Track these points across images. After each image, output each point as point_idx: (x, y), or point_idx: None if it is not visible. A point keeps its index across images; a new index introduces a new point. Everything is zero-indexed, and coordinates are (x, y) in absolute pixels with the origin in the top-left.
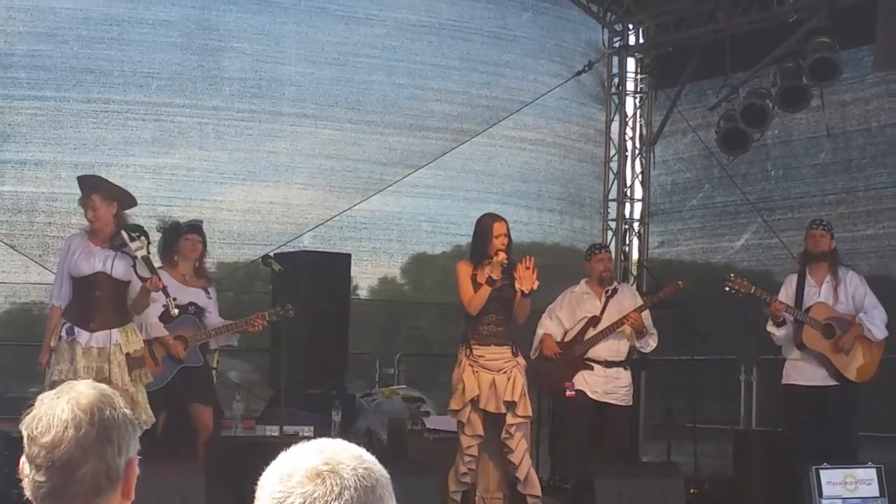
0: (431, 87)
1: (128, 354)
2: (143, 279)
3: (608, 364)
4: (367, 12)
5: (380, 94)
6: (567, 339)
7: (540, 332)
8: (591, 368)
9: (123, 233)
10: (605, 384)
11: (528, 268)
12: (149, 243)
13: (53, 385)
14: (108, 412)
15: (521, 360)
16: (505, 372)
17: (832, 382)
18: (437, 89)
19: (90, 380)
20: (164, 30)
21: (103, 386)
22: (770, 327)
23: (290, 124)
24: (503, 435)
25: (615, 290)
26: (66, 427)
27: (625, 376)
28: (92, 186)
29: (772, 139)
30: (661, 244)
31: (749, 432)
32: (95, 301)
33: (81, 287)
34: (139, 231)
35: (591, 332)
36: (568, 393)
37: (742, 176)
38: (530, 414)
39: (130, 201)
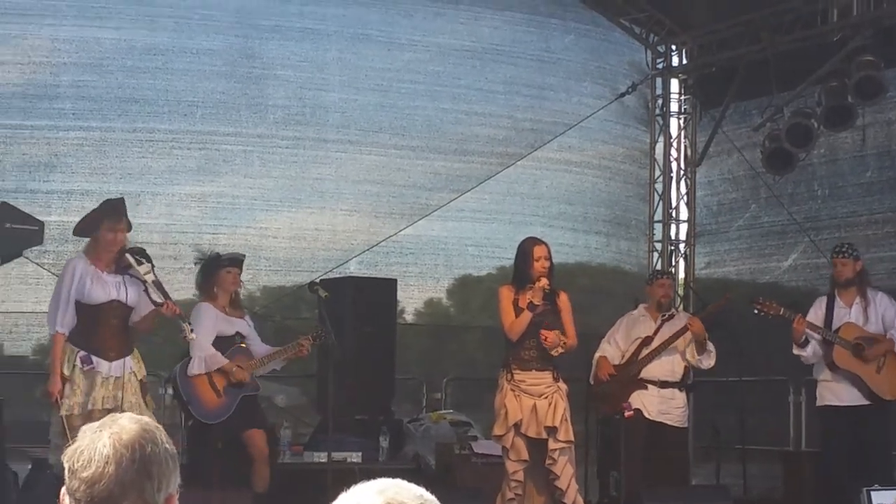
0: (475, 112)
1: (140, 381)
2: (157, 304)
3: (663, 384)
4: (410, 38)
5: (424, 119)
6: (623, 361)
7: (596, 355)
8: (646, 388)
9: (128, 256)
10: (660, 404)
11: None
12: (153, 267)
13: (68, 420)
14: (149, 448)
15: (562, 384)
16: (546, 397)
17: (866, 402)
18: (481, 113)
19: (131, 414)
20: (208, 58)
21: (146, 420)
22: (796, 350)
23: (335, 150)
24: (547, 461)
25: (672, 316)
26: (107, 462)
27: (679, 397)
28: (123, 210)
29: (817, 158)
30: (707, 265)
31: (798, 453)
32: (111, 329)
33: (93, 315)
34: (142, 254)
35: (644, 351)
36: (627, 413)
37: (788, 196)
38: (572, 438)
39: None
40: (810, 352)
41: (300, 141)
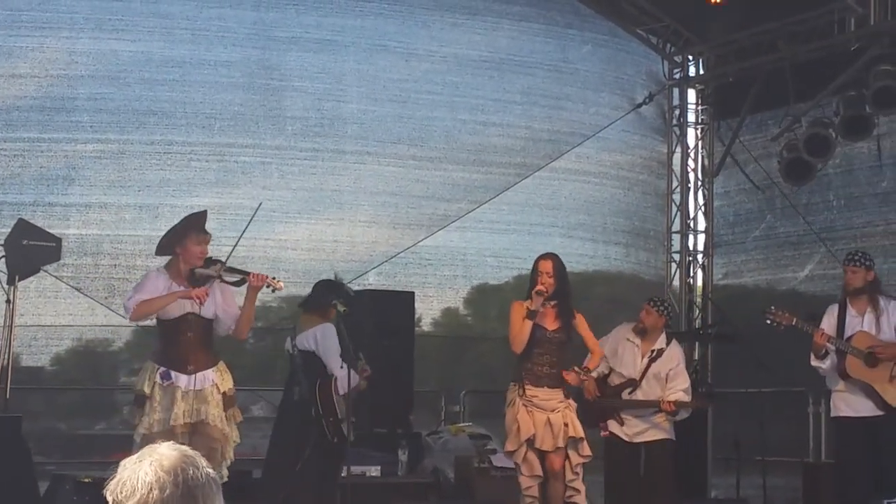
0: (493, 122)
1: (224, 394)
2: (238, 283)
3: (639, 416)
4: (428, 49)
5: (442, 129)
6: (610, 380)
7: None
8: (622, 423)
9: (196, 270)
10: (636, 427)
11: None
12: (222, 263)
13: (145, 439)
14: (191, 472)
15: (572, 402)
16: (558, 412)
17: (880, 413)
18: (499, 124)
19: (171, 442)
20: (226, 70)
21: (185, 447)
22: (814, 361)
23: (353, 162)
24: (569, 477)
25: (660, 353)
26: (151, 489)
27: (658, 416)
28: (205, 221)
29: (833, 168)
30: (725, 275)
31: (818, 465)
32: (188, 342)
33: (170, 329)
34: (207, 260)
35: (626, 395)
36: (602, 433)
37: (804, 206)
38: (590, 454)
39: None
40: (829, 364)
41: (318, 152)
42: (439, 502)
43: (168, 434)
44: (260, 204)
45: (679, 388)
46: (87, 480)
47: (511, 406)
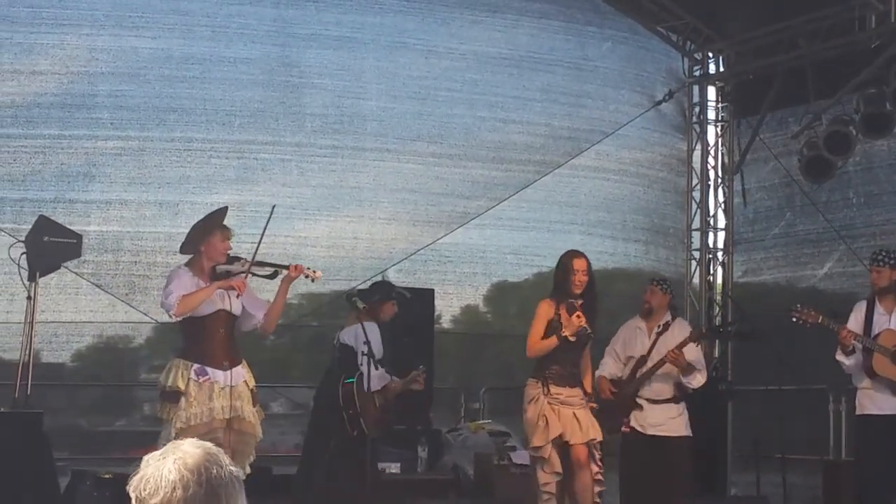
0: (513, 120)
1: (252, 390)
2: (271, 276)
3: (653, 402)
4: (447, 46)
5: (461, 127)
6: (623, 376)
7: (598, 372)
8: (641, 408)
9: (217, 267)
10: (653, 418)
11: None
12: (245, 261)
13: (183, 433)
14: (214, 471)
15: (593, 404)
16: (583, 408)
17: None
18: (519, 121)
19: (195, 439)
20: (245, 67)
21: (209, 444)
22: (839, 356)
23: (373, 159)
24: (597, 473)
25: (667, 326)
26: (175, 488)
27: (674, 409)
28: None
29: (853, 166)
30: (744, 273)
31: (838, 462)
32: (221, 339)
33: (202, 326)
34: (234, 259)
35: (640, 372)
36: (623, 428)
37: (823, 204)
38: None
39: None
40: (853, 361)
41: (338, 149)
42: (459, 499)
43: (207, 428)
44: (274, 207)
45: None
46: (107, 476)
47: (534, 402)
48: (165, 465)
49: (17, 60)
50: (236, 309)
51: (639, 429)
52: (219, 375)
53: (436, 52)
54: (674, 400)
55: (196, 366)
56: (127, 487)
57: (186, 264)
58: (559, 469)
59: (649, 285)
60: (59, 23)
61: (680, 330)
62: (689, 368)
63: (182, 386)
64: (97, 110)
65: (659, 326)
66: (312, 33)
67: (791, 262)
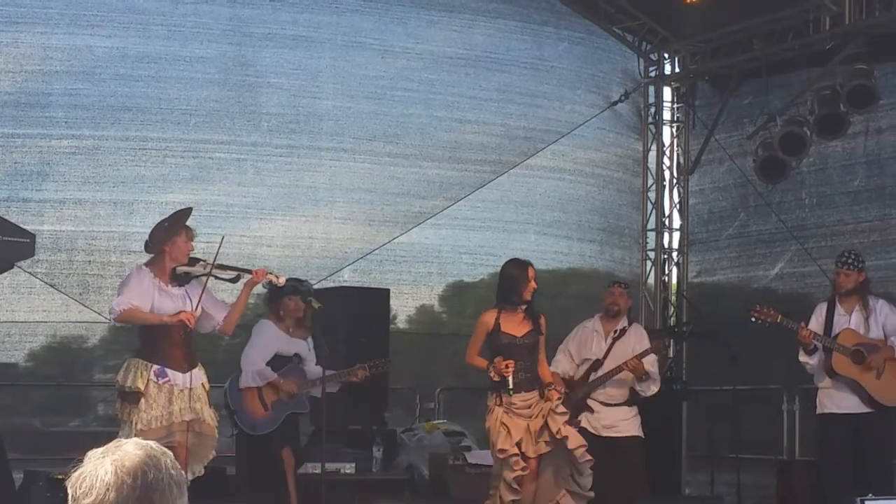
0: (469, 119)
1: (207, 392)
2: (234, 280)
3: (607, 405)
4: (404, 46)
5: (417, 126)
6: (576, 375)
7: (550, 369)
8: (592, 411)
9: (178, 268)
10: (605, 419)
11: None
12: (206, 262)
13: (141, 434)
14: (152, 475)
15: (550, 394)
16: (535, 417)
17: (866, 409)
18: (475, 121)
19: (139, 440)
20: (201, 66)
21: (152, 445)
22: (802, 356)
23: (329, 159)
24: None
25: (623, 331)
26: (108, 489)
27: (627, 411)
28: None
29: (807, 167)
30: (699, 273)
31: (792, 462)
32: (181, 341)
33: (163, 328)
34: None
35: (593, 375)
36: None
37: (777, 204)
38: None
39: None
40: (816, 360)
41: (294, 149)
42: (414, 499)
43: (166, 431)
44: (223, 238)
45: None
46: (60, 477)
47: (490, 413)
48: (103, 466)
49: None
50: (197, 311)
51: (590, 430)
52: (178, 378)
53: (392, 51)
54: (626, 403)
55: (156, 367)
56: (66, 482)
57: (147, 264)
58: (524, 462)
59: (614, 287)
60: (13, 21)
61: (637, 336)
62: (644, 377)
63: (141, 387)
64: (51, 109)
65: (616, 331)
66: (268, 32)
67: (744, 262)
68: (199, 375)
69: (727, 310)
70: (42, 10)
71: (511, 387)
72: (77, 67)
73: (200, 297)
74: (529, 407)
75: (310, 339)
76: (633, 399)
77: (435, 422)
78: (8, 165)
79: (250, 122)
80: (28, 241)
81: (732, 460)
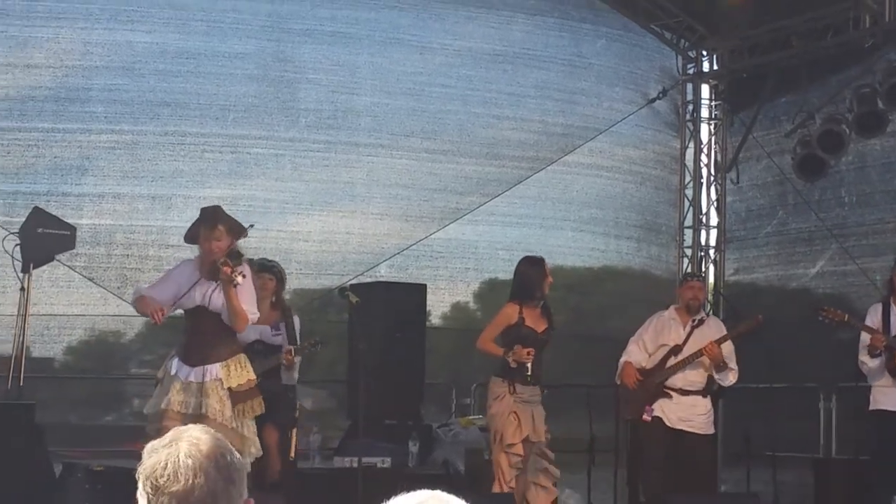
0: (507, 116)
1: (230, 389)
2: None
3: (683, 392)
4: (442, 42)
5: (455, 123)
6: (649, 365)
7: (623, 358)
8: (670, 397)
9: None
10: (681, 412)
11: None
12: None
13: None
14: (228, 457)
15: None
16: (539, 405)
17: None
18: (513, 118)
19: (200, 425)
20: (240, 62)
21: (212, 430)
22: (863, 357)
23: (366, 154)
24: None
25: (701, 321)
26: (196, 474)
27: (702, 404)
28: (217, 217)
29: (846, 165)
30: (736, 271)
31: (829, 461)
32: (197, 335)
33: (188, 319)
34: (233, 256)
35: (671, 361)
36: (644, 416)
37: (816, 202)
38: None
39: (243, 232)
40: (879, 362)
41: (331, 145)
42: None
43: (160, 417)
44: (251, 225)
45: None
46: (99, 469)
47: (499, 400)
48: (180, 452)
49: (12, 53)
50: (217, 306)
51: (664, 419)
52: (183, 371)
53: (430, 48)
54: (702, 393)
55: (176, 358)
56: (136, 475)
57: (197, 256)
58: (523, 465)
59: (694, 281)
60: (55, 16)
61: (716, 326)
62: (722, 365)
63: (160, 375)
64: (91, 104)
65: (694, 320)
66: (307, 28)
67: (783, 260)
68: (214, 371)
69: (765, 307)
70: (83, 5)
71: (529, 373)
72: (117, 63)
73: (211, 293)
74: (536, 397)
75: (283, 324)
76: (709, 389)
77: (471, 417)
78: (48, 160)
79: (288, 117)
80: (69, 233)
81: (768, 458)
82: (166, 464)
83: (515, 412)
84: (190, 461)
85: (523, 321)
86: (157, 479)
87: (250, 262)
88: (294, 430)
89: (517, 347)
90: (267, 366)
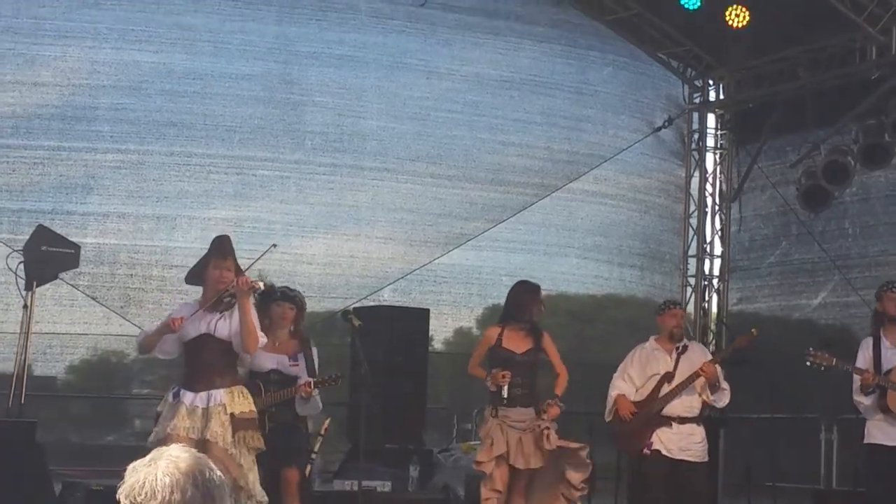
0: (512, 142)
1: (232, 415)
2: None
3: (682, 420)
4: (449, 67)
5: (461, 148)
6: (639, 397)
7: (613, 393)
8: (670, 425)
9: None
10: (680, 441)
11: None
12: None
13: (154, 444)
14: (207, 474)
15: (544, 419)
16: (531, 431)
17: None
18: (518, 144)
19: (180, 444)
20: (247, 84)
21: (193, 449)
22: (858, 396)
23: (372, 178)
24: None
25: (686, 347)
26: (172, 491)
27: (698, 432)
28: (228, 248)
29: (850, 196)
30: (739, 300)
31: (830, 492)
32: (202, 362)
33: (188, 350)
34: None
35: (665, 389)
36: (645, 451)
37: (819, 233)
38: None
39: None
40: (872, 399)
41: (337, 168)
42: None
43: (166, 443)
44: (273, 245)
45: None
46: (98, 488)
47: (485, 423)
48: (158, 470)
49: (19, 71)
50: (223, 333)
51: (664, 451)
52: (188, 397)
53: (437, 73)
54: (697, 420)
55: (175, 389)
56: (117, 495)
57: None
58: (500, 487)
59: (676, 309)
60: (62, 35)
61: (701, 350)
62: (716, 385)
63: (161, 409)
64: (97, 123)
65: (678, 347)
66: (314, 51)
67: (786, 290)
68: (219, 397)
69: (767, 338)
70: (90, 24)
71: (506, 396)
72: (124, 82)
73: (216, 322)
74: (524, 422)
75: (301, 355)
76: (702, 415)
77: (471, 442)
78: (53, 178)
79: (294, 139)
80: (73, 251)
81: (769, 489)
82: (144, 482)
83: (491, 434)
84: (167, 479)
85: (500, 343)
86: (135, 498)
87: (272, 289)
88: (309, 468)
89: (495, 371)
90: (283, 397)
